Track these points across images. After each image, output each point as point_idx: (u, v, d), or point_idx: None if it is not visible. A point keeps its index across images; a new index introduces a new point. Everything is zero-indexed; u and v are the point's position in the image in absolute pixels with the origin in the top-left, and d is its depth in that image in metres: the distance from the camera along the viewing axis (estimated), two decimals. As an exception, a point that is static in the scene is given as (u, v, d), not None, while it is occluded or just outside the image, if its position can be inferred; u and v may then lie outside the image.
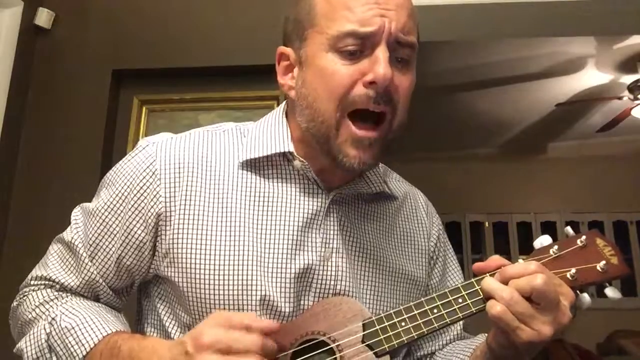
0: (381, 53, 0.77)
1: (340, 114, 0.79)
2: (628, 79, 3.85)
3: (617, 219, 5.12)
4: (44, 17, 2.23)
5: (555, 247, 0.81)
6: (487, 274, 0.78)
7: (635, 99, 3.85)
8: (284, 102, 0.92)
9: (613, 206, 4.97)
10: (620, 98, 3.92)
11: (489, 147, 5.32)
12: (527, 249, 0.92)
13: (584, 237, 0.82)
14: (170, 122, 2.21)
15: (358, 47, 0.78)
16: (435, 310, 0.77)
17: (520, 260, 0.80)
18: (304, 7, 0.83)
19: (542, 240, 0.83)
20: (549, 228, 5.09)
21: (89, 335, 0.78)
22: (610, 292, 0.81)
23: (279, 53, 0.87)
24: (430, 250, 0.99)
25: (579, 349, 4.39)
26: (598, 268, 0.80)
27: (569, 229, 0.85)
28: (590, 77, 3.92)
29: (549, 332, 0.73)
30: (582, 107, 4.30)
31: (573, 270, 0.79)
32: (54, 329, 0.80)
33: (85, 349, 0.77)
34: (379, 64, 0.76)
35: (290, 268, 0.82)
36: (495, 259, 0.80)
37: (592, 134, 4.65)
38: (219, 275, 0.80)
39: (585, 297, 0.81)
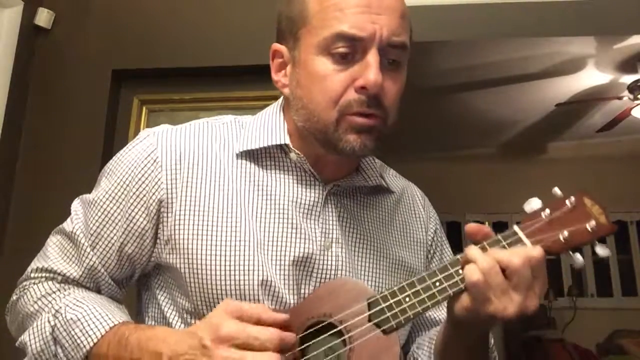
0: (372, 58, 0.78)
1: (338, 115, 0.80)
2: (628, 79, 3.85)
3: (617, 219, 5.12)
4: (44, 17, 2.24)
5: (547, 210, 0.82)
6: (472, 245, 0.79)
7: (635, 99, 3.85)
8: (282, 97, 0.93)
9: (613, 206, 4.94)
10: (620, 98, 3.92)
11: (488, 147, 5.32)
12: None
13: (573, 198, 0.83)
14: (170, 122, 2.18)
15: (349, 49, 0.79)
16: (437, 284, 0.77)
17: (515, 227, 0.81)
18: (297, 5, 0.84)
19: (533, 204, 0.84)
20: (549, 228, 5.08)
21: (96, 326, 0.77)
22: (600, 250, 0.82)
23: (273, 50, 0.88)
24: (428, 244, 1.00)
25: (579, 349, 4.39)
26: (588, 228, 0.81)
27: (556, 190, 0.85)
28: (590, 77, 3.91)
29: (512, 312, 0.73)
30: (582, 107, 4.30)
31: (566, 233, 0.80)
32: (59, 321, 0.79)
33: (92, 340, 0.76)
34: (370, 69, 0.77)
35: (289, 254, 0.83)
36: (484, 227, 0.82)
37: (592, 134, 4.65)
38: (219, 259, 0.81)
39: (578, 256, 0.82)
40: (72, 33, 2.26)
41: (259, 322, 0.70)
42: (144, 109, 2.24)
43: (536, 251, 0.75)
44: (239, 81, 2.15)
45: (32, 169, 2.15)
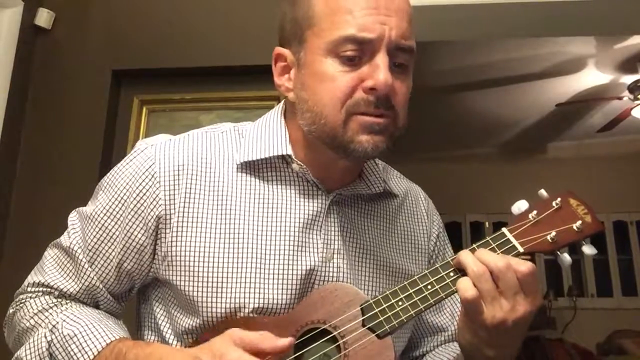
0: (381, 59, 0.77)
1: (345, 116, 0.78)
2: (628, 79, 3.85)
3: (617, 219, 5.12)
4: (44, 17, 2.23)
5: (534, 212, 0.83)
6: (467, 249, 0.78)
7: (635, 99, 3.85)
8: (282, 102, 0.92)
9: (613, 206, 4.97)
10: (620, 98, 3.92)
11: (489, 147, 5.31)
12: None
13: (558, 199, 0.85)
14: (170, 122, 2.21)
15: (357, 52, 0.77)
16: (429, 287, 0.78)
17: (503, 229, 0.82)
18: (302, 6, 0.82)
19: (520, 205, 0.84)
20: (549, 228, 5.08)
21: (92, 342, 0.77)
22: (587, 249, 0.83)
23: (275, 54, 0.87)
24: (430, 250, 0.99)
25: (579, 348, 4.39)
26: (574, 228, 0.82)
27: (542, 192, 0.86)
28: (590, 77, 3.91)
29: (500, 318, 0.72)
30: (582, 107, 4.30)
31: (553, 233, 0.81)
32: (56, 337, 0.79)
33: (89, 356, 0.76)
34: (379, 70, 0.76)
35: (294, 271, 0.82)
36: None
37: (592, 134, 4.65)
38: (217, 279, 0.80)
39: (566, 257, 0.83)
40: (72, 33, 2.26)
41: (260, 351, 0.70)
42: (144, 109, 2.23)
43: (525, 266, 0.74)
44: (239, 81, 2.14)
45: (32, 169, 2.14)
